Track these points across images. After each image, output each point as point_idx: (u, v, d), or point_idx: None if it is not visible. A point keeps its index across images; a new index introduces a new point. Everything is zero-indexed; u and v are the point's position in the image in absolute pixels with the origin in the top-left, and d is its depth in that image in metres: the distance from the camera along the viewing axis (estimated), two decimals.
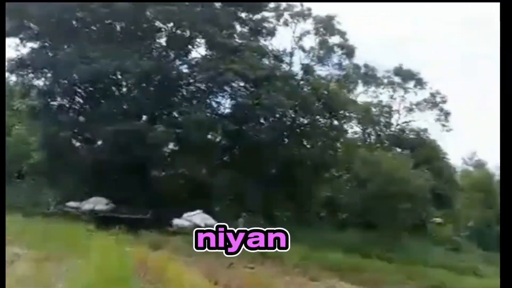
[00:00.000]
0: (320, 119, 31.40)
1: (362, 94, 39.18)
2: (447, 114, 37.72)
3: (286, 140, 30.63)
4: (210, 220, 23.45)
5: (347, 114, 33.05)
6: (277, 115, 29.87)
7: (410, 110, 38.56)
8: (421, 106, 38.05)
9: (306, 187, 30.73)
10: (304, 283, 15.25)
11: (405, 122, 39.08)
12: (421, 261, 22.31)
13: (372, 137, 38.99)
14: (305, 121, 31.21)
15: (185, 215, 23.74)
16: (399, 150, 35.87)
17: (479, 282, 18.10)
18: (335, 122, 32.04)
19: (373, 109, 38.88)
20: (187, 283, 10.07)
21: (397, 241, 27.51)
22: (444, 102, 37.73)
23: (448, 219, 35.50)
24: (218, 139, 30.87)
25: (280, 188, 30.03)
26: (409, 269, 19.37)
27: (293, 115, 31.27)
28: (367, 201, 28.75)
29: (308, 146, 31.44)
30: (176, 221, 23.43)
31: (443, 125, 37.78)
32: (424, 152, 36.17)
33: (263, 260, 18.27)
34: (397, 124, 39.12)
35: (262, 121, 29.70)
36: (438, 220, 34.31)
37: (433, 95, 37.83)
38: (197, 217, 23.48)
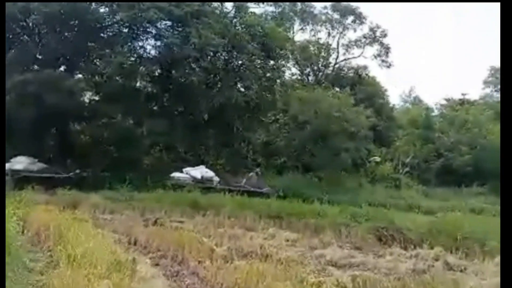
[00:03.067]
0: (256, 60, 29.31)
1: (299, 32, 37.78)
2: (387, 49, 36.87)
3: (219, 83, 28.49)
4: (209, 173, 23.65)
5: (284, 54, 31.13)
6: (209, 56, 27.60)
7: (348, 47, 37.51)
8: (360, 42, 36.98)
9: (241, 132, 29.12)
10: (240, 234, 13.74)
11: (344, 60, 38.08)
12: (362, 201, 21.49)
13: (310, 77, 37.78)
14: (239, 62, 29.07)
15: (185, 169, 23.69)
16: (338, 89, 34.81)
17: (425, 219, 17.48)
18: (271, 62, 30.10)
19: (311, 48, 37.53)
20: (92, 247, 8.26)
21: (337, 182, 26.74)
22: (384, 36, 36.75)
23: (387, 156, 35.30)
24: (144, 86, 28.44)
25: (214, 135, 28.31)
26: (352, 210, 18.31)
27: (225, 56, 29.14)
28: (306, 143, 27.76)
29: (243, 89, 29.39)
30: (175, 174, 23.27)
31: (383, 61, 37.05)
32: (364, 89, 35.53)
33: (194, 213, 16.77)
34: (336, 63, 38.05)
35: (192, 63, 27.35)
36: (377, 158, 33.90)
37: (372, 29, 36.73)
38: (196, 171, 23.53)
